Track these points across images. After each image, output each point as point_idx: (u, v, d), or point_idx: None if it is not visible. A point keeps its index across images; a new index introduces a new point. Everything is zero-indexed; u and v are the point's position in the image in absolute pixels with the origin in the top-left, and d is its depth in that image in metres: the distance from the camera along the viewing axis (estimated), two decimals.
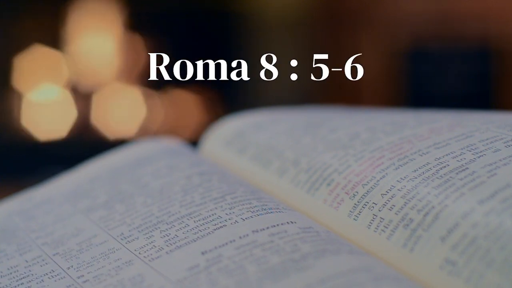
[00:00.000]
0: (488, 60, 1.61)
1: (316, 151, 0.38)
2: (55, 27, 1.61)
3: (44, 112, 1.61)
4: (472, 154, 0.33)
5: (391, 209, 0.32)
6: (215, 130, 0.45)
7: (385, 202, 0.32)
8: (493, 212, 0.29)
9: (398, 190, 0.32)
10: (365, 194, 0.33)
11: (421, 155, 0.34)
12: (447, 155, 0.33)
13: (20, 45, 1.60)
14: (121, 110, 1.64)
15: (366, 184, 0.34)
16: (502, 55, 1.60)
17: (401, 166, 0.34)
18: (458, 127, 0.36)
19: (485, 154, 0.33)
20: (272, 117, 0.45)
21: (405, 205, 0.31)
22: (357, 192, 0.34)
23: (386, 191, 0.33)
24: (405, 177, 0.33)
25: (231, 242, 0.31)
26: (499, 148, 0.33)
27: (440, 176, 0.32)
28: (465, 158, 0.33)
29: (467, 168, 0.32)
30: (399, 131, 0.37)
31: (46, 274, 0.33)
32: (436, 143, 0.35)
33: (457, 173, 0.32)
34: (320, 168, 0.36)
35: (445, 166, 0.32)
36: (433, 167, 0.33)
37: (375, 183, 0.33)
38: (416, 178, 0.32)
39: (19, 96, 1.59)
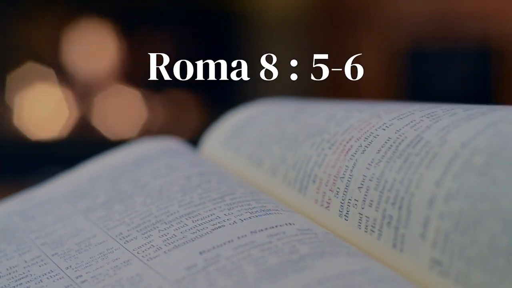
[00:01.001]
0: (488, 60, 1.62)
1: (298, 141, 0.38)
2: (55, 27, 1.61)
3: (45, 112, 1.61)
4: (430, 120, 0.32)
5: (370, 205, 0.31)
6: (214, 130, 0.45)
7: (364, 197, 0.32)
8: (452, 197, 0.28)
9: (370, 180, 0.32)
10: (346, 190, 0.33)
11: (384, 129, 0.34)
12: (406, 125, 0.33)
13: (20, 45, 1.59)
14: (121, 110, 1.64)
15: (343, 177, 0.33)
16: (502, 55, 1.60)
17: (367, 147, 0.33)
18: (430, 105, 0.35)
19: (441, 119, 0.32)
20: (263, 109, 0.45)
21: (380, 198, 0.31)
22: (339, 189, 0.33)
23: (361, 183, 0.32)
24: (372, 162, 0.32)
25: (229, 242, 0.31)
26: (457, 112, 0.32)
27: (400, 154, 0.31)
28: (421, 126, 0.32)
29: (422, 138, 0.31)
30: (372, 108, 0.37)
31: (45, 274, 0.33)
32: (401, 114, 0.34)
33: (413, 147, 0.31)
34: (303, 162, 0.36)
35: (403, 140, 0.32)
36: (393, 142, 0.32)
37: (350, 175, 0.33)
38: (380, 160, 0.32)
39: (19, 96, 1.59)
